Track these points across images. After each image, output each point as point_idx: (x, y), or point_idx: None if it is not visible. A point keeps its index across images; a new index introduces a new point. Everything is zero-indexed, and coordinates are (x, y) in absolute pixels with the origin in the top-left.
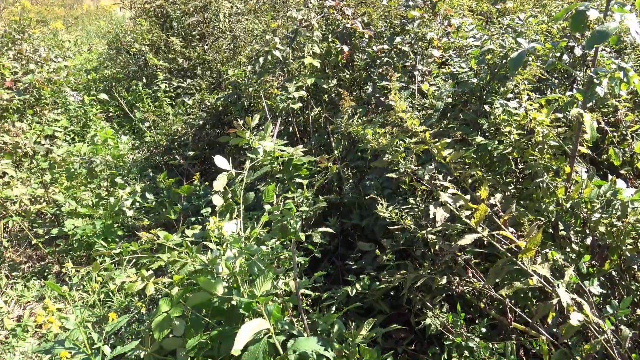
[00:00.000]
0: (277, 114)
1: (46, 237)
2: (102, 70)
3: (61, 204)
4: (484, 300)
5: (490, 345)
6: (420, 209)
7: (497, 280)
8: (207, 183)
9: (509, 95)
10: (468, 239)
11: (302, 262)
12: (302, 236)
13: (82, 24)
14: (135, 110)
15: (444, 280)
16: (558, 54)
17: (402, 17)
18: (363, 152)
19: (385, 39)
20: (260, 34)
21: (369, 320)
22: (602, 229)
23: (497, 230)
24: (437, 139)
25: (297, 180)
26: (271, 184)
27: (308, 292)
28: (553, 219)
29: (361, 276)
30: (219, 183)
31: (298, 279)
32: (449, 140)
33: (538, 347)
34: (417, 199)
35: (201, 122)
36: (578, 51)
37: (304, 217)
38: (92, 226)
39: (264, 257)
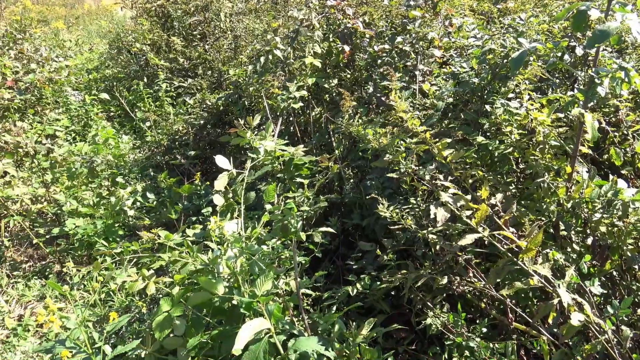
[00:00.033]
0: (278, 113)
1: (47, 236)
2: (103, 70)
3: (62, 204)
4: (484, 300)
5: (491, 345)
6: (421, 209)
7: (498, 280)
8: (208, 183)
9: (510, 95)
10: (469, 239)
11: (303, 262)
12: (303, 236)
13: (83, 23)
14: (136, 110)
15: (445, 280)
16: (559, 54)
17: (403, 17)
18: (364, 152)
19: (387, 38)
20: (261, 33)
21: (370, 320)
22: (603, 229)
23: (498, 230)
24: (437, 139)
25: (298, 179)
26: (272, 183)
27: (309, 291)
28: (554, 219)
29: (362, 276)
30: (220, 183)
31: (299, 279)
32: (449, 140)
33: (539, 347)
34: (418, 198)
35: (202, 122)
36: (579, 51)
37: (304, 216)
38: (93, 226)
39: (264, 256)
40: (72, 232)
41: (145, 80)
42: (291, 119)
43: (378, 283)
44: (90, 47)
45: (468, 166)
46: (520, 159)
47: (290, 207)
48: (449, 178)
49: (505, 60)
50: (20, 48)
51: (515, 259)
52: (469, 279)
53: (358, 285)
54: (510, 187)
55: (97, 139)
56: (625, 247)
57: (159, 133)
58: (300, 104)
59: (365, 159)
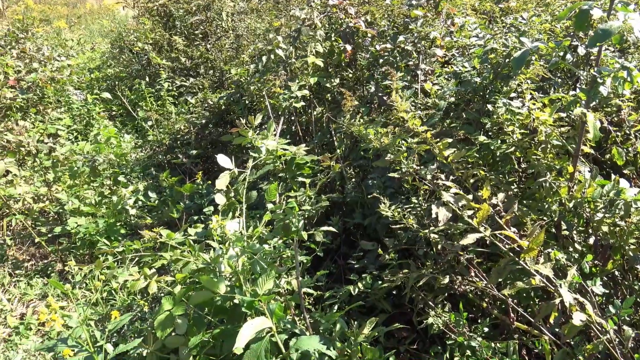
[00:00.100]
0: (279, 113)
1: (49, 235)
2: (105, 69)
3: (64, 203)
4: (486, 299)
5: (493, 344)
6: (423, 208)
7: (500, 279)
8: (209, 182)
9: (512, 95)
10: (470, 238)
11: (305, 261)
12: (305, 235)
13: (85, 22)
14: (138, 109)
15: (447, 280)
16: (561, 53)
17: (405, 16)
18: (365, 152)
19: (388, 38)
20: (263, 32)
21: (371, 319)
22: (605, 228)
23: (499, 230)
24: (439, 139)
25: (300, 179)
26: (274, 182)
27: (310, 290)
28: (556, 219)
29: (363, 275)
30: (222, 182)
31: (300, 278)
32: (450, 140)
33: (540, 347)
34: (420, 198)
35: (204, 121)
36: (581, 50)
37: (306, 216)
38: (95, 224)
39: (266, 255)
40: (74, 231)
41: (147, 79)
42: (293, 118)
43: (379, 282)
44: (92, 46)
45: (470, 166)
46: (522, 159)
47: (292, 206)
48: (451, 178)
49: (507, 60)
50: (22, 47)
51: (517, 259)
52: (470, 279)
53: (360, 285)
54: (512, 187)
55: (99, 138)
56: (627, 247)
57: (161, 132)
58: (302, 103)
59: (366, 158)
